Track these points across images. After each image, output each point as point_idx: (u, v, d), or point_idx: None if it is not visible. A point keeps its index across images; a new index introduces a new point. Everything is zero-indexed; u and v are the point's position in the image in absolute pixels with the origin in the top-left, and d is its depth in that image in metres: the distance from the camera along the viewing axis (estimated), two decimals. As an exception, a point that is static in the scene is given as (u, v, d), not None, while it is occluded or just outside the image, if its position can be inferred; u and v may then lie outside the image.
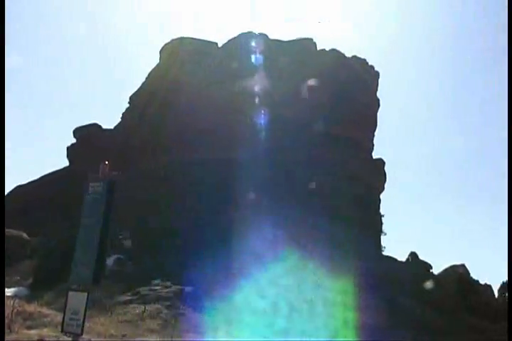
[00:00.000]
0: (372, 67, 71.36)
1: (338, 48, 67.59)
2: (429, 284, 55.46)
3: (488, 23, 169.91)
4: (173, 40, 68.59)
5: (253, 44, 62.58)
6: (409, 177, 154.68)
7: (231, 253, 42.18)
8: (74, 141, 71.09)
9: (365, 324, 34.70)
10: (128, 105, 70.54)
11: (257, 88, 57.72)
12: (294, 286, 39.15)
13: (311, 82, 58.83)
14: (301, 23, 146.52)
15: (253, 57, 60.74)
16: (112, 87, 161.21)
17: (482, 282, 65.86)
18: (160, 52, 70.37)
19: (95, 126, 70.54)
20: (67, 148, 71.59)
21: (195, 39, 66.96)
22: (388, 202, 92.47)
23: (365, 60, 70.69)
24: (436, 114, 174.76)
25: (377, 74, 71.14)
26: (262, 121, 56.42)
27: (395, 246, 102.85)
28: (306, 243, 47.30)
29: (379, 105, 69.42)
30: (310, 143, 55.71)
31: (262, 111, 56.54)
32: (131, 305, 29.98)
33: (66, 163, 70.83)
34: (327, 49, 67.70)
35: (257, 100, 57.18)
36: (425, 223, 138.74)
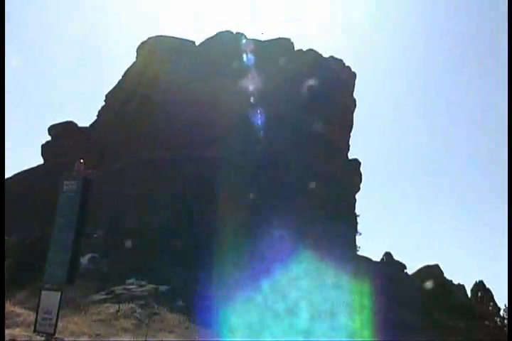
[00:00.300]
0: (349, 67, 71.61)
1: (315, 49, 67.87)
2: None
3: (460, 23, 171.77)
4: (150, 39, 68.15)
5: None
6: (385, 177, 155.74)
7: (214, 252, 42.11)
8: (49, 138, 70.44)
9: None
10: (104, 103, 70.04)
11: (237, 87, 57.66)
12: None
13: (289, 81, 58.96)
14: (279, 23, 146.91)
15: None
16: (86, 85, 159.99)
17: (455, 282, 66.64)
18: (137, 50, 69.88)
19: (71, 124, 69.96)
20: (42, 145, 70.89)
21: (172, 37, 66.61)
22: (363, 202, 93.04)
23: (341, 60, 70.92)
24: (409, 114, 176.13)
25: (353, 75, 71.43)
26: (244, 120, 56.35)
27: (370, 246, 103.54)
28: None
29: (355, 105, 69.74)
30: (287, 143, 55.82)
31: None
32: (105, 305, 29.78)
33: (40, 160, 70.18)
34: (304, 49, 67.87)
35: (237, 99, 57.05)
36: (400, 223, 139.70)
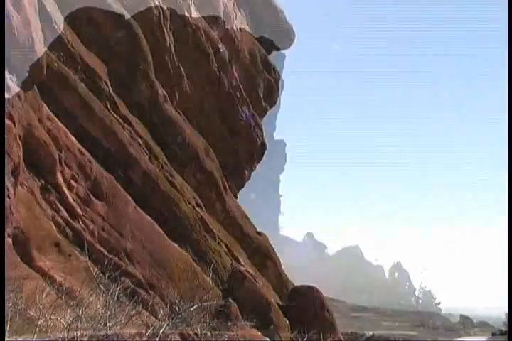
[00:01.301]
0: (278, 48, 71.65)
1: (245, 28, 67.43)
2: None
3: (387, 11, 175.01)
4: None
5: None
6: (309, 159, 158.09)
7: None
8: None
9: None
10: (27, 74, 67.63)
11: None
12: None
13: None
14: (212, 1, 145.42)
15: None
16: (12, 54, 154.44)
17: (374, 263, 68.92)
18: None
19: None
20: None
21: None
22: (287, 182, 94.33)
23: (271, 40, 70.75)
24: (338, 96, 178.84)
25: (282, 56, 71.68)
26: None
27: (293, 226, 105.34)
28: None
29: (283, 87, 69.98)
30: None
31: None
32: None
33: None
34: (235, 28, 67.36)
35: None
36: (322, 205, 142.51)
